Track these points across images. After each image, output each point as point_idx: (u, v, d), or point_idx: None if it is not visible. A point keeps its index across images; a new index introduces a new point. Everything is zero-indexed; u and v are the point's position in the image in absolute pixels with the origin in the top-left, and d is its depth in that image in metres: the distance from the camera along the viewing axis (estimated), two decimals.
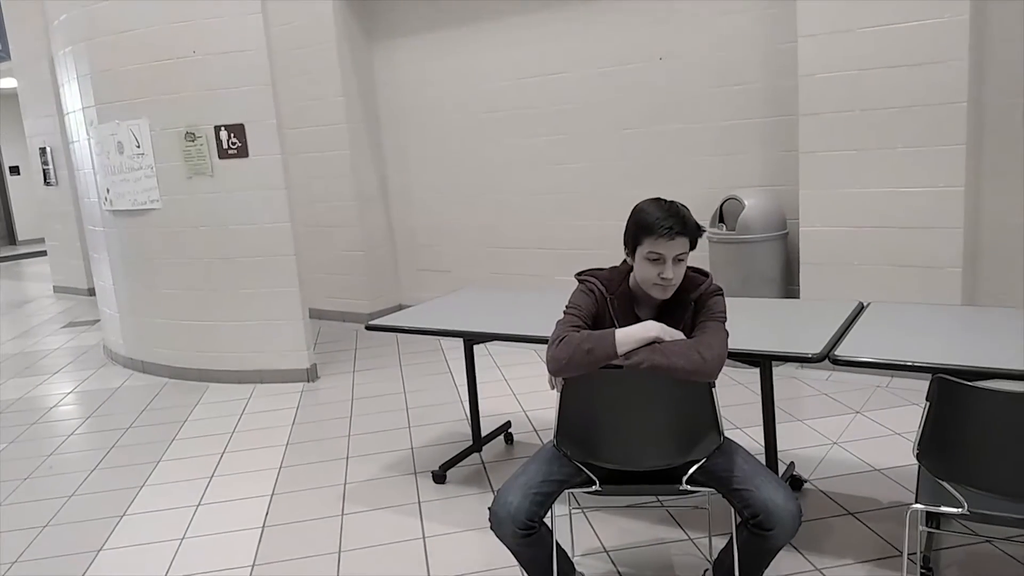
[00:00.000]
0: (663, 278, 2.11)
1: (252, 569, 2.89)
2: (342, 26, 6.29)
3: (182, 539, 3.15)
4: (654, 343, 2.07)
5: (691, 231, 2.11)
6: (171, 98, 4.98)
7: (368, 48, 6.49)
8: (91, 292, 8.79)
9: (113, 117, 5.23)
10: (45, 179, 9.35)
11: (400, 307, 6.60)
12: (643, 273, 2.15)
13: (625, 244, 2.20)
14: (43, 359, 6.44)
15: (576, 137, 5.58)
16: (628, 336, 2.08)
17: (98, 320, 6.90)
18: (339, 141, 6.43)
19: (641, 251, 2.13)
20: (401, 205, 6.74)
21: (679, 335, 2.11)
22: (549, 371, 2.21)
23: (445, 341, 5.56)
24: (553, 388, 2.27)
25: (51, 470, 4.03)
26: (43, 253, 10.88)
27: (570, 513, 2.91)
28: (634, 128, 5.30)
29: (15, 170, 15.70)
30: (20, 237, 15.83)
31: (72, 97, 5.71)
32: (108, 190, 5.45)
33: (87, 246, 6.74)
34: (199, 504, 3.47)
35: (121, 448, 4.26)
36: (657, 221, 2.09)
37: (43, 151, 9.21)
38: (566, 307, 2.26)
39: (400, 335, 4.88)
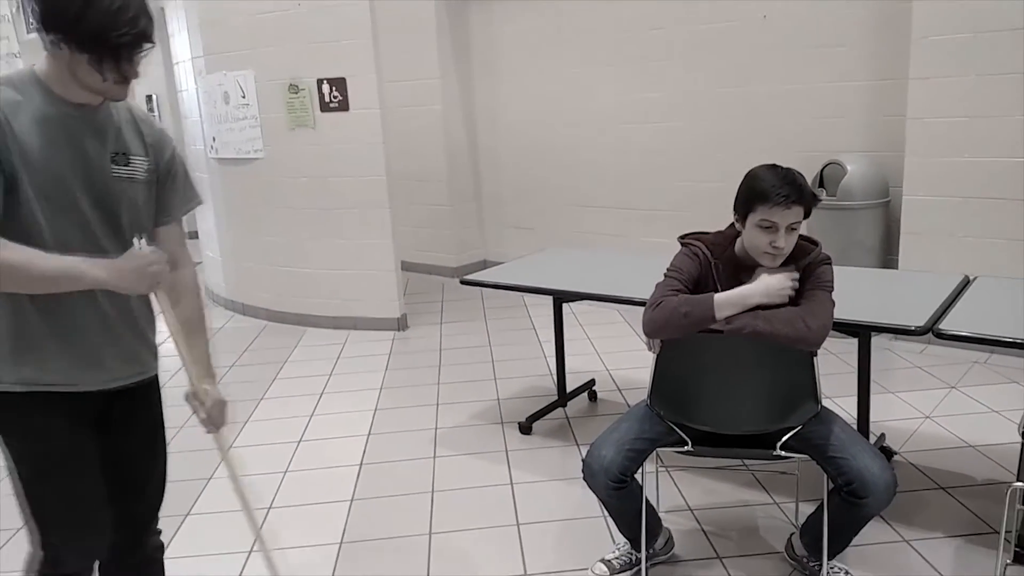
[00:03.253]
0: (775, 247, 2.10)
1: (351, 504, 3.06)
2: None
3: (285, 472, 3.36)
4: (756, 309, 2.08)
5: (807, 200, 2.09)
6: (275, 50, 5.14)
7: (464, 5, 6.51)
8: (193, 235, 9.22)
9: (220, 68, 5.43)
10: None
11: (485, 263, 6.70)
12: (754, 240, 2.14)
13: (735, 210, 2.19)
14: None
15: (670, 95, 5.50)
16: (728, 300, 2.10)
17: (200, 263, 7.24)
18: (432, 96, 6.50)
19: (753, 218, 2.11)
20: (489, 162, 6.80)
21: (783, 288, 2.10)
22: (645, 333, 2.24)
23: (529, 298, 5.64)
24: (651, 350, 2.31)
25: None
26: None
27: (656, 471, 2.97)
28: (731, 88, 5.19)
29: None
30: None
31: (181, 47, 5.94)
32: (214, 138, 5.68)
33: None
34: (300, 440, 3.68)
35: (224, 385, 4.41)
36: (772, 188, 2.06)
37: (149, 99, 9.61)
38: (667, 270, 2.28)
39: (485, 290, 4.99)
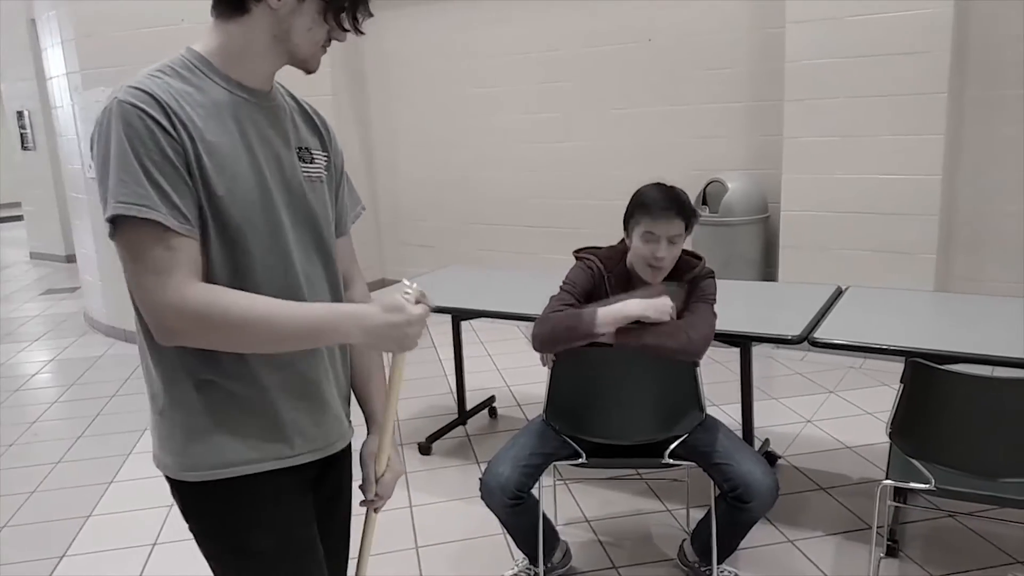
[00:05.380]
0: (656, 257, 2.19)
1: None
2: None
3: (171, 506, 3.20)
4: (643, 322, 2.14)
5: (686, 214, 2.20)
6: None
7: None
8: (70, 259, 8.75)
9: (99, 83, 5.19)
10: (23, 143, 9.22)
11: (383, 281, 6.64)
12: (638, 252, 2.23)
13: (624, 224, 2.29)
14: (22, 326, 6.41)
15: (565, 115, 5.61)
16: (608, 315, 2.15)
17: (77, 287, 6.87)
18: (323, 112, 6.35)
19: (638, 231, 2.21)
20: (386, 179, 6.75)
21: (664, 307, 2.15)
22: (534, 347, 2.28)
23: (429, 316, 5.60)
24: (545, 365, 2.34)
25: (36, 437, 4.05)
26: (19, 218, 10.75)
27: (554, 484, 3.00)
28: (623, 108, 5.35)
29: None
30: None
31: (55, 62, 5.64)
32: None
33: (67, 212, 6.69)
34: None
35: (106, 416, 4.29)
36: (654, 202, 2.18)
37: (20, 115, 9.07)
38: (562, 283, 2.34)
39: None
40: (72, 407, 4.49)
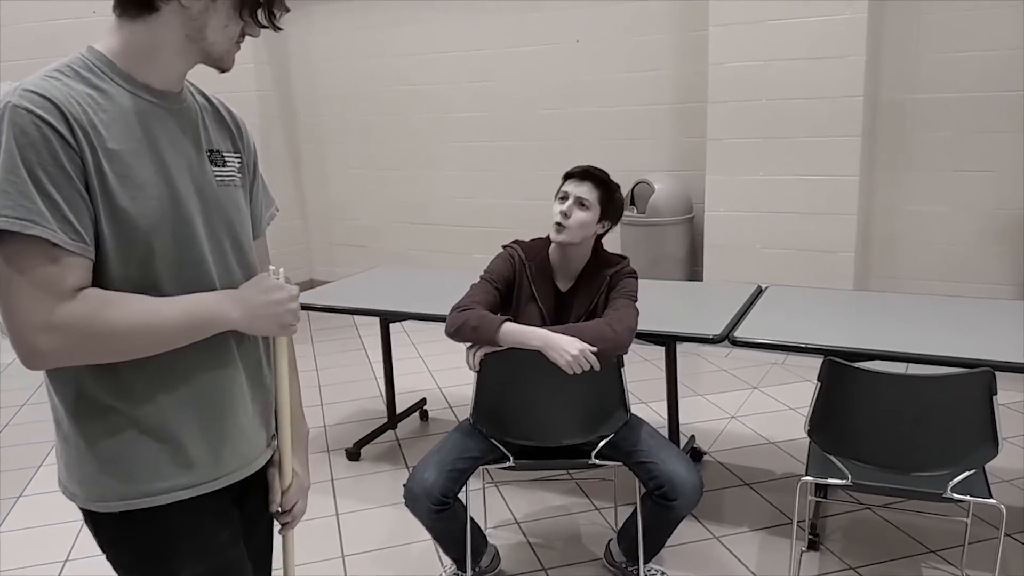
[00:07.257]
0: (560, 212, 2.28)
1: None
2: None
3: (83, 523, 3.06)
4: (566, 320, 2.15)
5: (599, 179, 2.33)
6: None
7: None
8: None
9: (4, 77, 4.93)
10: None
11: (312, 282, 6.51)
12: (552, 215, 2.33)
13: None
14: None
15: (494, 115, 5.60)
16: (513, 332, 2.15)
17: None
18: (248, 109, 6.22)
19: (556, 196, 2.34)
20: (314, 177, 6.62)
21: (565, 349, 2.10)
22: (445, 331, 2.27)
23: (359, 318, 5.52)
24: (472, 369, 2.32)
25: None
26: None
27: (483, 487, 2.98)
28: (551, 109, 5.36)
29: None
30: None
31: None
32: None
33: None
34: None
35: (16, 426, 4.08)
36: (573, 169, 2.36)
37: None
38: (483, 272, 2.38)
39: (312, 311, 4.82)
40: None
